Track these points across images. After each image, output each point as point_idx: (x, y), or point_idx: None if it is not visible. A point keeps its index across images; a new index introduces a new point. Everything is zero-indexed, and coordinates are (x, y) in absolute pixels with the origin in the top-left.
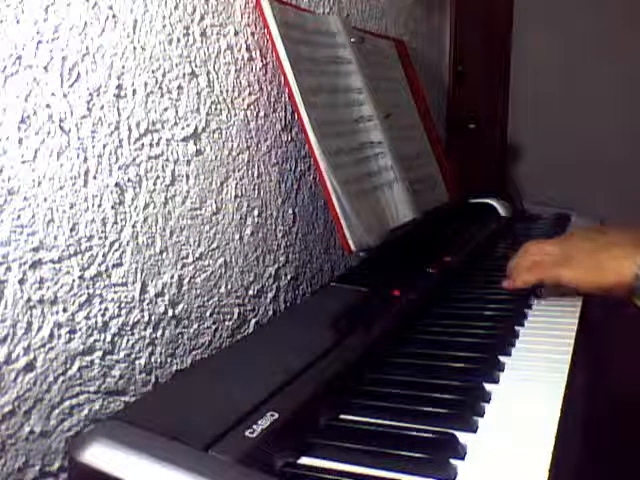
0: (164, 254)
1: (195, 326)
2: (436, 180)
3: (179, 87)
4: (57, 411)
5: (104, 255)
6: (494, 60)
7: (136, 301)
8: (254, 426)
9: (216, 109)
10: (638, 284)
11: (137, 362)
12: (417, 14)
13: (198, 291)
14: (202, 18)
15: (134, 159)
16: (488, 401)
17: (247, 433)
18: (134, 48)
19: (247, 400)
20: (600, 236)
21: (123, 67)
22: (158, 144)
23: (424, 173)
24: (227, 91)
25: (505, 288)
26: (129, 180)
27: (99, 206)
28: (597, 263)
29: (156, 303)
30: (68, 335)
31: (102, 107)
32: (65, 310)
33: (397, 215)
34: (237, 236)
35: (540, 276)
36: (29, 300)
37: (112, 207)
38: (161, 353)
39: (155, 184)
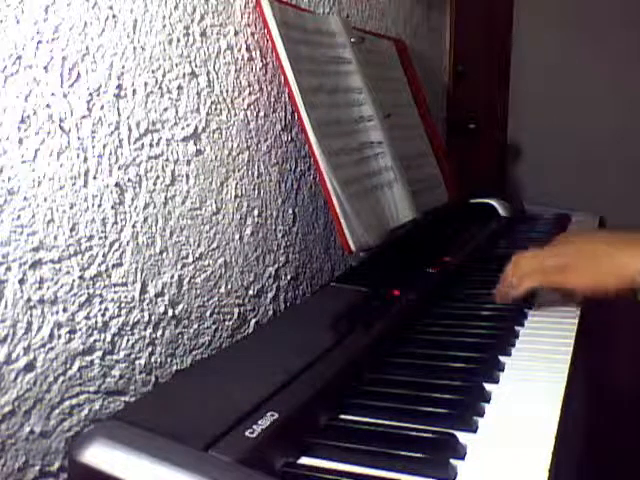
0: (164, 254)
1: (195, 326)
2: (436, 180)
3: (179, 87)
4: (57, 411)
5: (104, 255)
6: (494, 60)
7: (136, 301)
8: (254, 426)
9: (216, 109)
10: None
11: (137, 362)
12: (417, 14)
13: (198, 291)
14: (202, 18)
15: (134, 159)
16: (488, 401)
17: (247, 433)
18: (134, 48)
19: (247, 400)
20: (596, 240)
21: (123, 67)
22: (158, 144)
23: (424, 173)
24: (227, 91)
25: (504, 299)
26: (129, 180)
27: (99, 206)
28: (599, 267)
29: (156, 303)
30: (68, 335)
31: (102, 107)
32: (65, 310)
33: (397, 215)
34: (237, 236)
35: (542, 282)
36: (29, 300)
37: (112, 207)
38: (161, 353)
39: (155, 184)
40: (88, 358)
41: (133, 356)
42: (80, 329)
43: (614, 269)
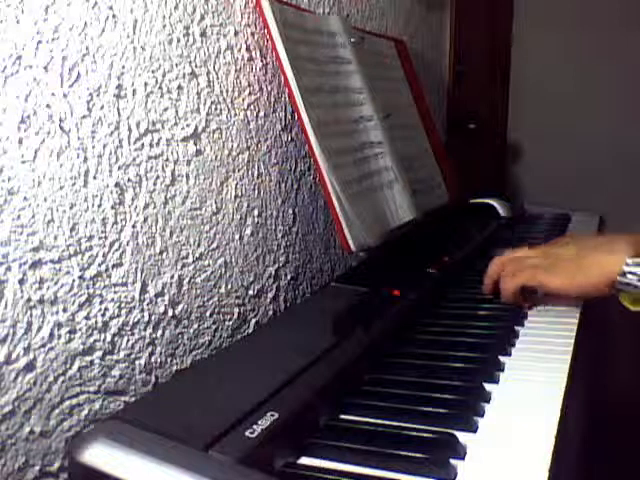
0: (164, 254)
1: (195, 326)
2: (436, 180)
3: (179, 87)
4: (57, 411)
5: (104, 255)
6: (494, 60)
7: (136, 301)
8: (254, 426)
9: (216, 109)
10: (622, 280)
11: (137, 362)
12: (417, 14)
13: (198, 291)
14: (202, 18)
15: (134, 159)
16: (488, 401)
17: (247, 433)
18: (134, 48)
19: (247, 400)
20: (586, 242)
21: (123, 67)
22: (158, 144)
23: (424, 173)
24: (227, 91)
25: (491, 292)
26: (129, 180)
27: (99, 206)
28: (581, 266)
29: (156, 303)
30: (68, 335)
31: (102, 107)
32: (65, 310)
33: (397, 215)
34: (237, 236)
35: (523, 280)
36: (29, 300)
37: (112, 207)
38: (161, 353)
39: (155, 184)
40: (88, 358)
41: (133, 356)
42: (80, 329)
43: (595, 269)
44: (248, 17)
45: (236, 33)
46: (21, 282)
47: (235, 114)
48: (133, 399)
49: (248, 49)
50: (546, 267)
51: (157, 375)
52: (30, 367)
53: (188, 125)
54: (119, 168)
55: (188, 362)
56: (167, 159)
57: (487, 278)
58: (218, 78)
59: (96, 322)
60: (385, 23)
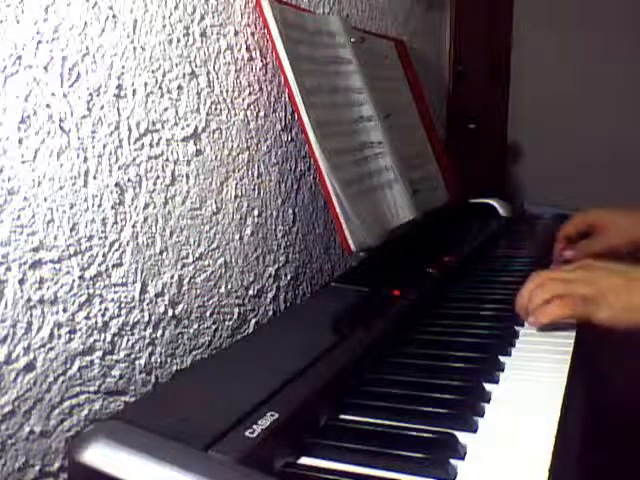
0: (164, 254)
1: (195, 326)
2: (436, 180)
3: (179, 87)
4: (57, 411)
5: (104, 255)
6: (494, 60)
7: (136, 301)
8: (254, 426)
9: (216, 109)
10: None
11: (137, 362)
12: (417, 14)
13: (198, 291)
14: (202, 18)
15: (134, 159)
16: (488, 401)
17: (247, 433)
18: (134, 48)
19: (247, 400)
20: (626, 269)
21: (123, 67)
22: (158, 144)
23: (424, 173)
24: (227, 91)
25: (531, 324)
26: (129, 180)
27: (99, 206)
28: (631, 302)
29: (156, 303)
30: (68, 335)
31: (102, 107)
32: (65, 310)
33: (397, 215)
34: (237, 236)
35: (572, 312)
36: (29, 300)
37: (112, 207)
38: (161, 353)
39: (155, 184)
40: (88, 358)
41: (133, 356)
42: (80, 329)
43: None
44: (248, 17)
45: (236, 33)
46: (21, 282)
47: (235, 114)
48: (133, 399)
49: (248, 49)
50: (593, 298)
51: (157, 375)
52: (30, 367)
53: (188, 125)
54: (119, 168)
55: (188, 362)
56: (167, 159)
57: (521, 298)
58: (218, 78)
59: (96, 322)
60: (385, 23)
